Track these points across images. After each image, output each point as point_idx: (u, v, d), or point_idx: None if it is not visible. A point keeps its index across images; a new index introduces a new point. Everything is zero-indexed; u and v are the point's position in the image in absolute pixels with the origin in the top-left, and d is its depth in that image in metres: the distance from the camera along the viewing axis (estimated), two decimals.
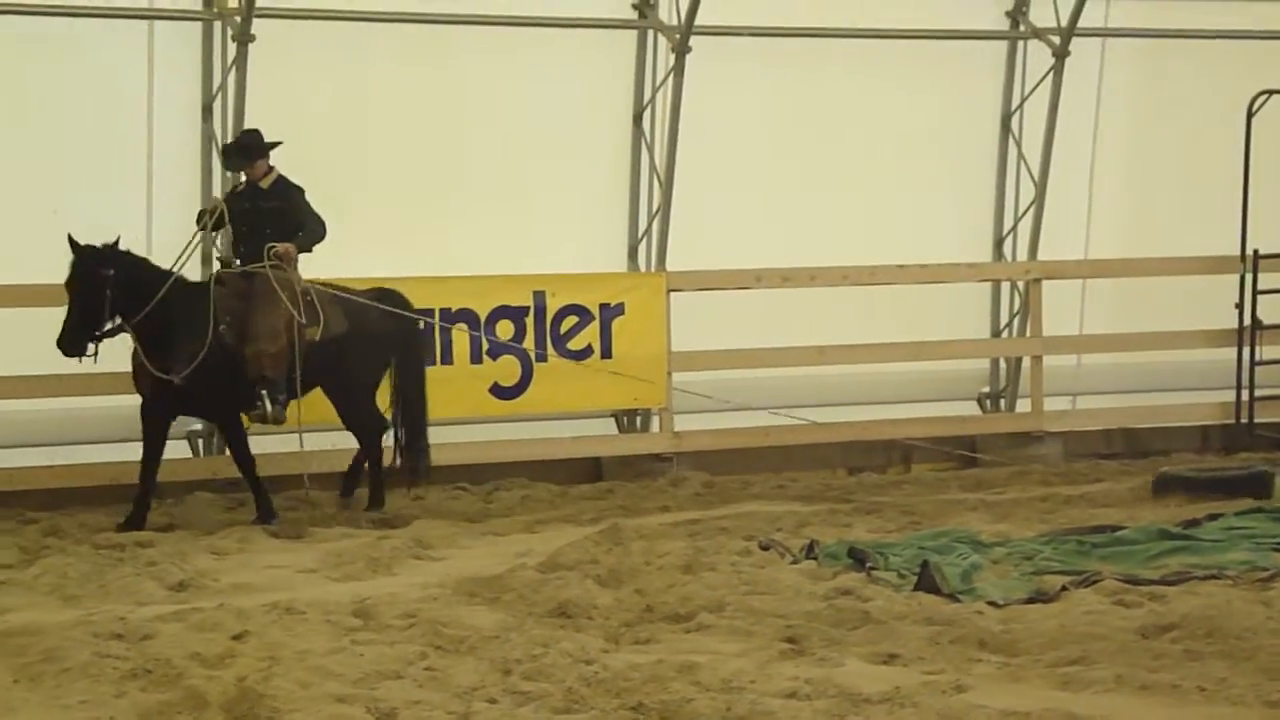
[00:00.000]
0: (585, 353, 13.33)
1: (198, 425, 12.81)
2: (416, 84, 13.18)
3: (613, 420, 13.89)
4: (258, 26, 12.33)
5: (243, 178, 11.94)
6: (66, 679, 7.31)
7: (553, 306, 13.24)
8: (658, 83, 13.61)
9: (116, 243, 11.35)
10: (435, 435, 12.81)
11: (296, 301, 11.63)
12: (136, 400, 12.57)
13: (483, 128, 13.36)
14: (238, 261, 11.82)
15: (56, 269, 11.44)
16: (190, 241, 11.75)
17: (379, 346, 12.09)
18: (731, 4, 13.59)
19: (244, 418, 11.71)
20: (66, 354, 11.21)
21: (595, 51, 13.59)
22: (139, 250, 11.74)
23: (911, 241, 14.24)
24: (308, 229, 11.81)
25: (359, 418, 12.05)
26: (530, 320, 13.18)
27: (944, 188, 14.51)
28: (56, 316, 11.46)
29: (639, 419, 13.91)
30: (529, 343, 13.16)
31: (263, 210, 11.76)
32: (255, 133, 11.90)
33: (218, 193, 12.44)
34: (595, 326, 13.34)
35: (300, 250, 11.77)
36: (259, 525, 11.56)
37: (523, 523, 11.93)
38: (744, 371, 13.90)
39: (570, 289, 13.28)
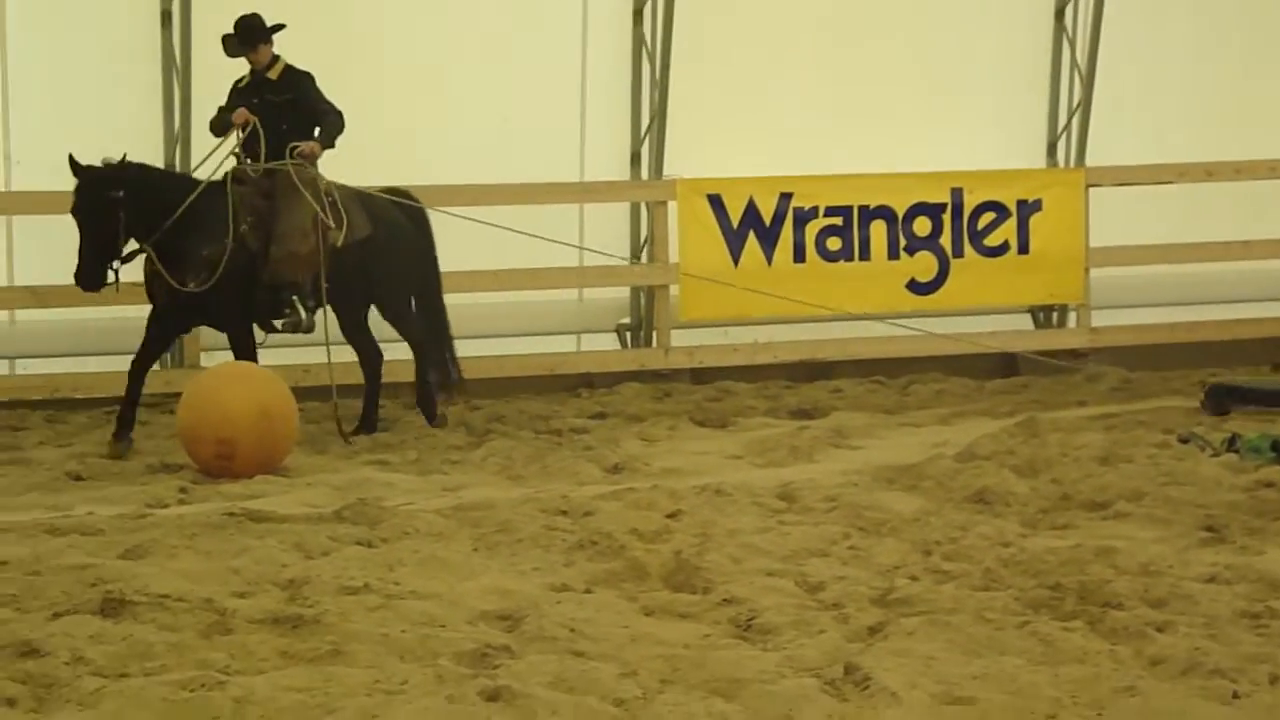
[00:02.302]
0: (1002, 249, 13.46)
1: (626, 319, 13.45)
2: None
3: (1029, 315, 14.01)
4: None
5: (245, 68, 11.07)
6: (520, 548, 7.92)
7: (970, 203, 13.40)
8: None
9: (124, 160, 10.46)
10: (853, 329, 13.21)
11: (321, 201, 10.80)
12: (568, 295, 13.37)
13: (900, 23, 13.50)
14: (248, 161, 10.93)
15: (509, 171, 12.24)
16: (215, 150, 10.97)
17: (405, 253, 11.22)
18: None
19: (257, 329, 10.85)
20: (84, 289, 10.36)
21: None
22: None
23: None
24: (327, 124, 10.94)
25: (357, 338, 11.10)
26: (947, 217, 13.38)
27: None
28: (508, 214, 12.09)
29: (1055, 314, 13.97)
30: (945, 239, 13.35)
31: (274, 104, 10.91)
32: (256, 16, 11.07)
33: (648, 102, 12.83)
34: (1012, 223, 13.46)
35: (324, 147, 10.94)
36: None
37: (939, 415, 12.18)
38: (1163, 267, 13.82)
39: (988, 185, 13.42)
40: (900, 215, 13.31)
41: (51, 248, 11.13)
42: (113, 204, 10.30)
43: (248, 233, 10.63)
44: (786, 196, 13.16)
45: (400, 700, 5.74)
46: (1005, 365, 13.67)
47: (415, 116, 12.82)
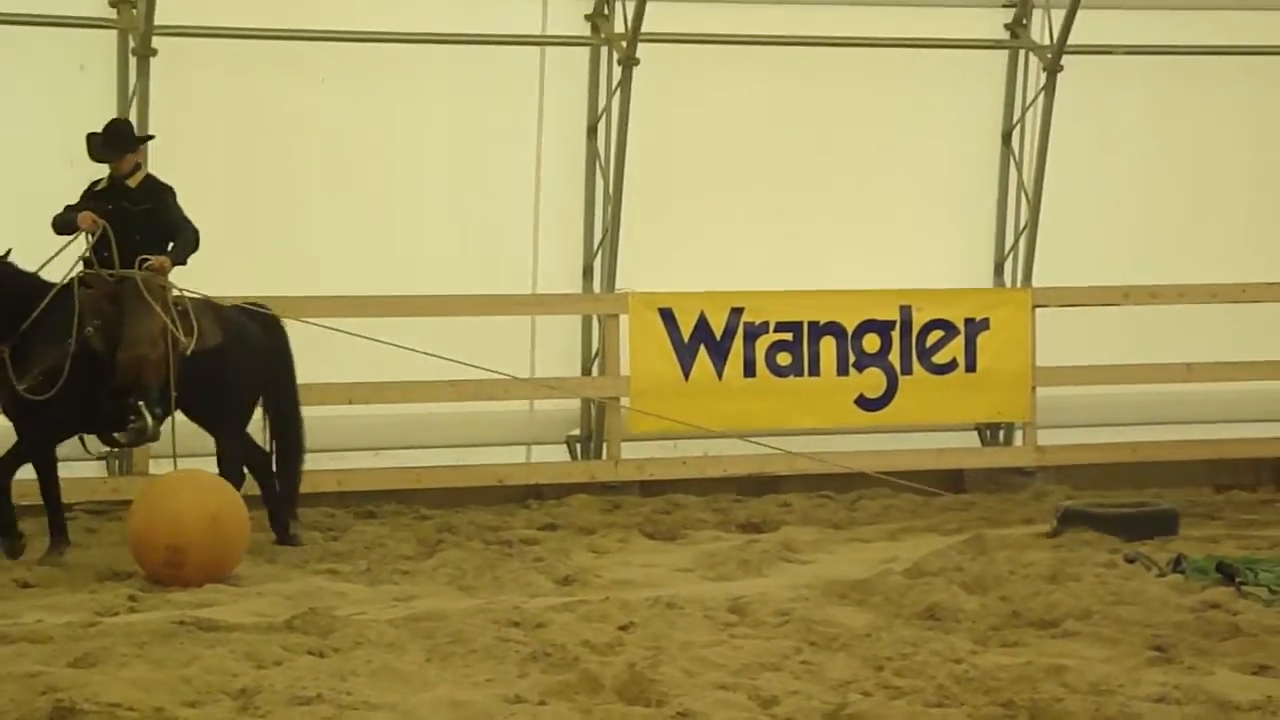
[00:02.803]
0: (950, 366, 13.60)
1: (576, 430, 13.51)
2: (784, 106, 13.60)
3: (975, 433, 14.14)
4: (641, 50, 12.93)
5: (104, 173, 10.80)
6: (473, 659, 7.92)
7: (919, 320, 13.55)
8: (1028, 101, 13.82)
9: (7, 254, 10.40)
10: (802, 444, 13.30)
11: (170, 310, 10.52)
12: (519, 406, 13.43)
13: (849, 144, 13.71)
14: (98, 267, 10.59)
15: (463, 282, 12.65)
16: (59, 252, 10.61)
17: (256, 362, 10.97)
18: (1105, 24, 13.69)
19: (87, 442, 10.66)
20: None
21: (966, 71, 13.85)
22: None
23: None
24: (182, 239, 10.67)
25: (232, 445, 10.82)
26: (896, 334, 13.52)
27: None
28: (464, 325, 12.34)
29: (1002, 432, 14.11)
30: (894, 356, 13.49)
31: (130, 213, 10.62)
32: (126, 123, 11.10)
33: (600, 216, 13.03)
34: (960, 341, 13.60)
35: (175, 263, 10.66)
36: (52, 556, 10.39)
37: (887, 530, 12.26)
38: (1109, 388, 13.99)
39: (936, 304, 13.57)
40: (850, 331, 13.45)
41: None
42: None
43: (93, 336, 10.36)
44: (737, 311, 13.28)
45: None
46: (953, 482, 13.76)
47: (368, 226, 12.93)
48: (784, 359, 13.40)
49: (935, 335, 13.59)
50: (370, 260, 12.93)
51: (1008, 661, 7.88)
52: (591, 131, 13.24)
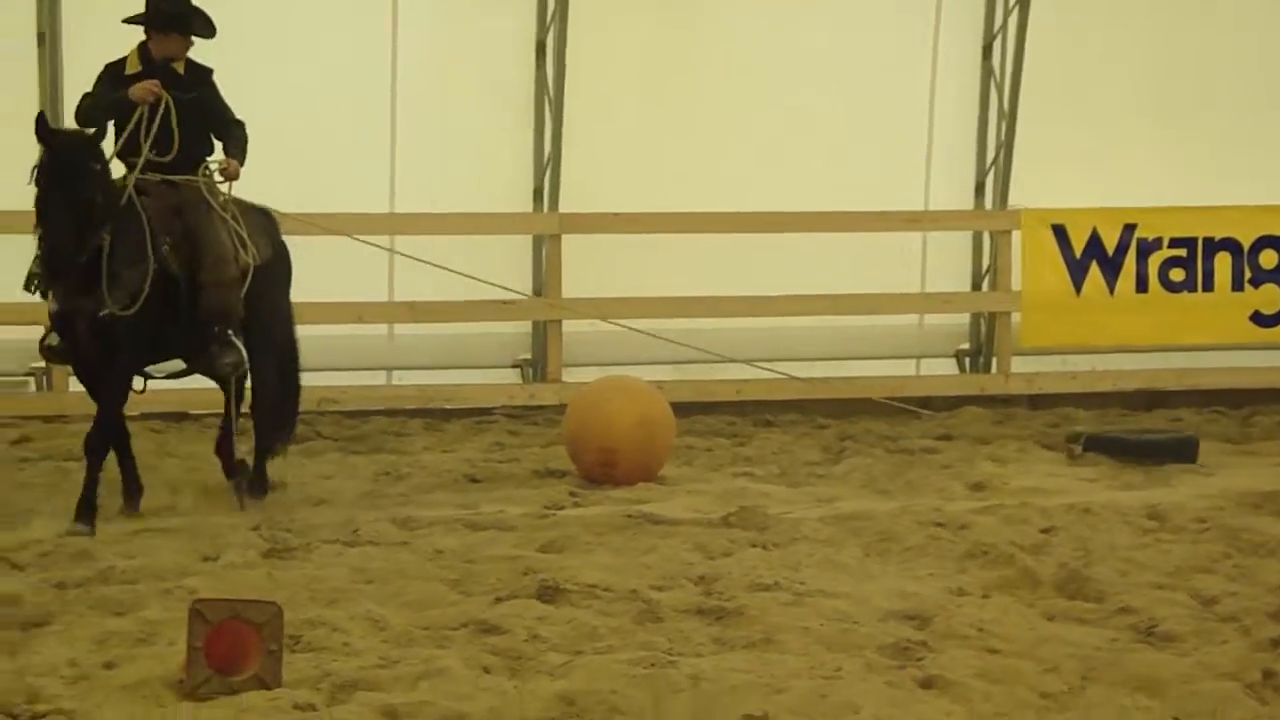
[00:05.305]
0: None
1: (965, 344, 13.77)
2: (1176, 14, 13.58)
3: None
4: None
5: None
6: (909, 555, 8.32)
7: None
8: None
9: (99, 134, 8.79)
10: (1195, 359, 13.37)
11: (239, 221, 9.15)
12: (908, 321, 13.77)
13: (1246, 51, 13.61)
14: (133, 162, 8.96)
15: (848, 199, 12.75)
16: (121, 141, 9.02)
17: (288, 276, 9.61)
18: None
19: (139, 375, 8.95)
20: (55, 278, 8.50)
21: None
22: None
23: None
24: (236, 136, 9.15)
25: (275, 364, 9.47)
26: None
27: None
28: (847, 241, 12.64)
29: None
30: None
31: (181, 103, 8.98)
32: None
33: (994, 134, 13.23)
34: None
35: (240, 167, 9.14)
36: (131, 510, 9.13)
37: None
38: None
39: None
40: (1246, 247, 13.40)
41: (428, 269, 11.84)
42: (93, 176, 8.55)
43: (169, 255, 8.82)
44: (1130, 228, 13.35)
45: (841, 684, 6.17)
46: None
47: (749, 140, 13.28)
48: (1177, 275, 13.42)
49: None
50: (766, 179, 13.33)
51: None
52: (987, 50, 13.41)
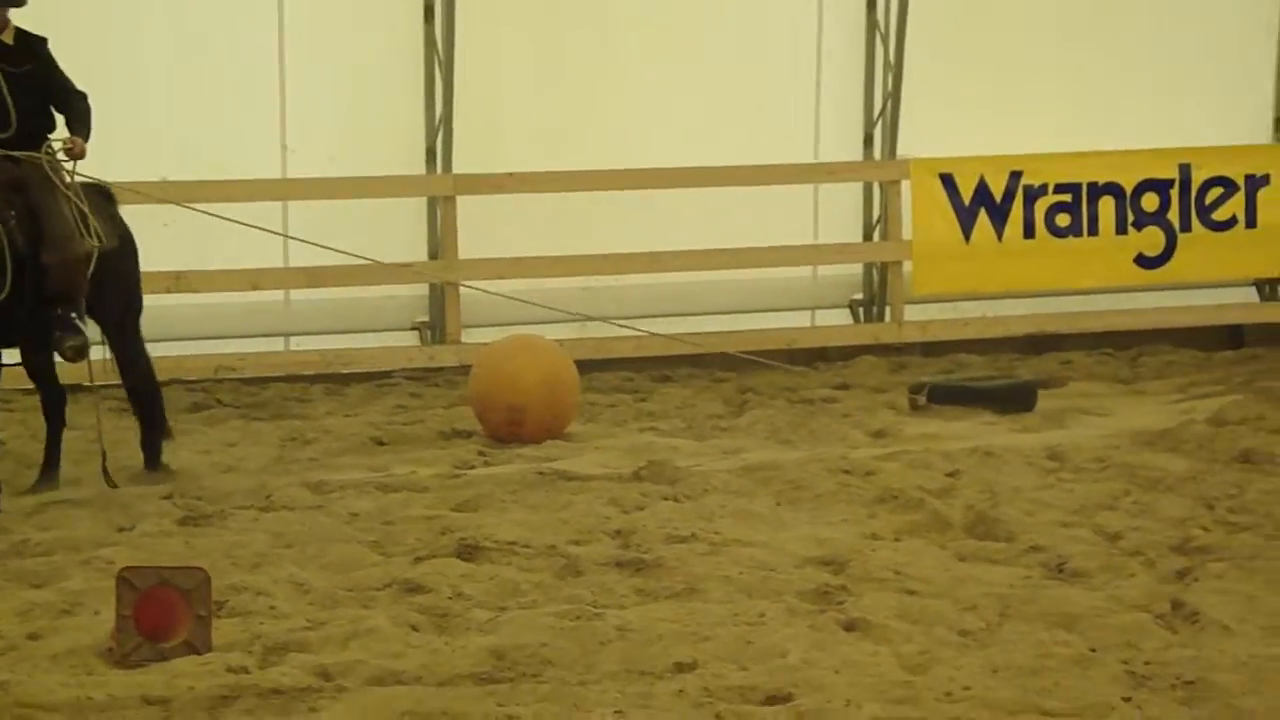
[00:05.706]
0: (1230, 223, 13.76)
1: (859, 294, 13.92)
2: None
3: (1253, 289, 14.30)
4: None
5: None
6: (821, 503, 8.45)
7: (1198, 179, 13.71)
8: None
9: None
10: (1083, 303, 13.65)
11: (82, 199, 8.75)
12: (802, 273, 13.92)
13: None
14: None
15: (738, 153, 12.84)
16: None
17: (134, 258, 9.19)
18: None
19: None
20: None
21: None
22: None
23: None
24: (78, 108, 8.75)
25: (139, 344, 9.19)
26: (1175, 192, 13.70)
27: None
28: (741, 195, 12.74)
29: None
30: (1173, 214, 13.69)
31: (13, 77, 8.62)
32: None
33: (880, 85, 13.38)
34: (1240, 197, 13.74)
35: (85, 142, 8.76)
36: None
37: (1174, 384, 12.49)
38: None
39: (1217, 161, 13.71)
40: (1129, 191, 13.66)
41: (322, 233, 11.79)
42: None
43: (14, 230, 8.46)
44: (1016, 174, 13.55)
45: (766, 630, 6.28)
46: (1232, 338, 13.95)
47: (642, 98, 13.34)
48: (1063, 220, 13.64)
49: (1215, 192, 13.74)
50: (658, 137, 13.39)
51: None
52: (871, 3, 13.54)
